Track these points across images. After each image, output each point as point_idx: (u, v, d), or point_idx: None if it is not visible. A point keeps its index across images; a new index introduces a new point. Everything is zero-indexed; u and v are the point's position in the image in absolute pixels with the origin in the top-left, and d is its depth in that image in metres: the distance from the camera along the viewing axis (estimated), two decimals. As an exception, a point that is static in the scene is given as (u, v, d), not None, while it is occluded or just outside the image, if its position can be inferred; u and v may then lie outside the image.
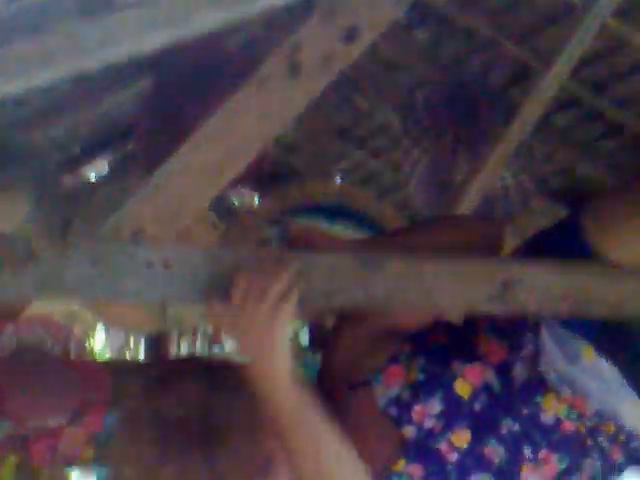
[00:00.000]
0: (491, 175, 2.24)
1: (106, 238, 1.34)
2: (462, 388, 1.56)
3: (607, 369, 1.56)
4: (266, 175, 3.15)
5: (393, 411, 1.55)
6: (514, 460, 1.55)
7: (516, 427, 1.56)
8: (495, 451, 1.55)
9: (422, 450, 1.55)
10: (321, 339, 2.64)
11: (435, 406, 1.55)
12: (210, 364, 1.59)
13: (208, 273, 1.36)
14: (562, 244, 1.58)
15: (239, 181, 2.75)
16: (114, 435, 1.89)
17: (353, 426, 1.52)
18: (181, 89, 2.38)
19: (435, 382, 1.56)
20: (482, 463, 1.55)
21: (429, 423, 1.54)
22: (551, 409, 1.57)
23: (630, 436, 1.58)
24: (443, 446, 1.55)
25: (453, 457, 1.55)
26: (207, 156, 1.37)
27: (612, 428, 1.57)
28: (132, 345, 2.93)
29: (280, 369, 1.36)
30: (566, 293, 1.50)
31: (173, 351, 2.77)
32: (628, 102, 2.52)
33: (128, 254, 1.33)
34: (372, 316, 1.64)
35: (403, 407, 1.55)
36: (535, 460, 1.56)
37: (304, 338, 2.63)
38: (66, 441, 2.18)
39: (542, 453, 1.56)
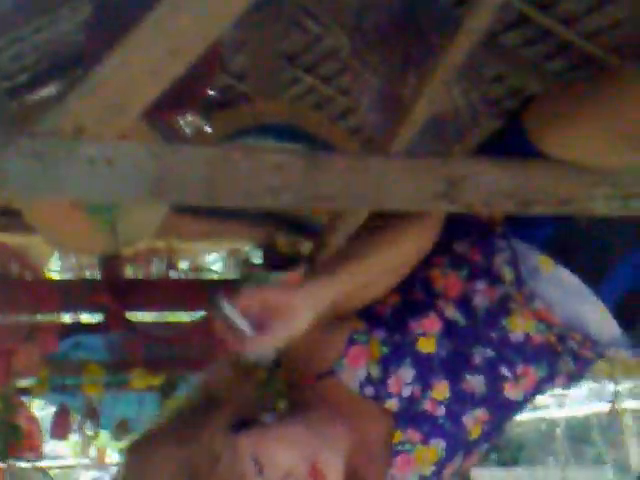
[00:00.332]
0: (438, 93, 2.23)
1: (47, 134, 1.32)
2: (426, 345, 1.57)
3: (566, 277, 1.59)
4: (215, 102, 3.12)
5: (370, 391, 1.55)
6: (495, 383, 1.59)
7: (488, 353, 1.58)
8: (474, 383, 1.58)
9: (410, 416, 1.57)
10: (273, 259, 2.64)
11: (407, 373, 1.56)
12: None
13: (151, 170, 1.35)
14: (507, 147, 1.59)
15: (188, 109, 2.73)
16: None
17: (336, 413, 1.54)
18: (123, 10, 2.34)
19: (400, 351, 1.56)
20: (466, 400, 1.58)
21: (407, 391, 1.56)
22: (518, 327, 1.59)
23: (595, 343, 1.60)
24: (428, 405, 1.57)
25: (441, 410, 1.57)
26: (147, 53, 1.35)
27: (579, 337, 1.60)
28: (85, 268, 2.91)
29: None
30: (512, 190, 1.50)
31: (126, 274, 2.76)
32: (576, 20, 2.52)
33: (69, 151, 1.31)
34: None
35: (377, 384, 1.55)
36: (514, 377, 1.60)
37: (257, 258, 2.64)
38: (20, 359, 2.17)
39: (519, 369, 1.60)
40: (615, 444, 8.55)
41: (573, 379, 1.68)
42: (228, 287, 2.84)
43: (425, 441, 1.56)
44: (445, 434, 1.57)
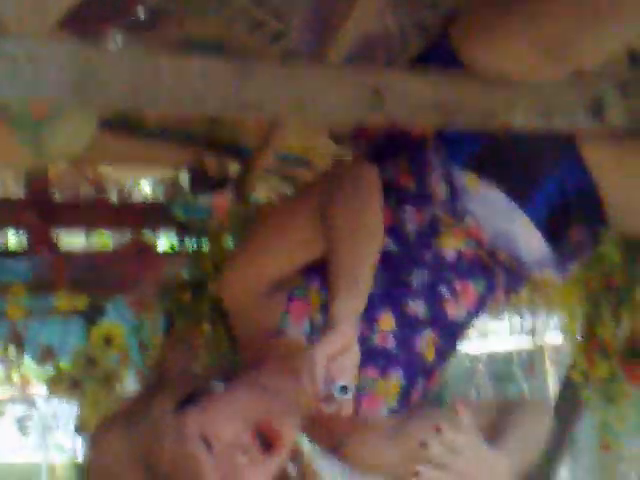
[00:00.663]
0: (367, 14, 2.23)
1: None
2: None
3: (494, 195, 1.62)
4: (143, 23, 3.07)
5: (317, 340, 1.53)
6: (435, 304, 1.62)
7: (425, 275, 1.61)
8: (416, 307, 1.61)
9: (364, 355, 1.53)
10: (201, 181, 2.64)
11: None
12: None
13: (75, 71, 1.34)
14: (434, 60, 1.61)
15: (114, 23, 2.68)
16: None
17: (289, 369, 1.53)
18: None
19: None
20: (413, 324, 1.61)
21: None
22: (450, 245, 1.62)
23: (522, 262, 1.63)
24: (378, 339, 1.60)
25: (391, 341, 1.61)
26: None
27: (506, 256, 1.62)
28: (10, 186, 2.87)
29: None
30: (437, 102, 1.51)
31: (53, 195, 2.73)
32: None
33: (-10, 47, 1.30)
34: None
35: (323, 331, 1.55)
36: (454, 295, 1.63)
37: (185, 181, 2.63)
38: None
39: (457, 285, 1.63)
40: (535, 380, 8.77)
41: (509, 293, 1.70)
42: (156, 209, 2.84)
43: (383, 375, 1.59)
44: (400, 363, 1.60)
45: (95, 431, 1.52)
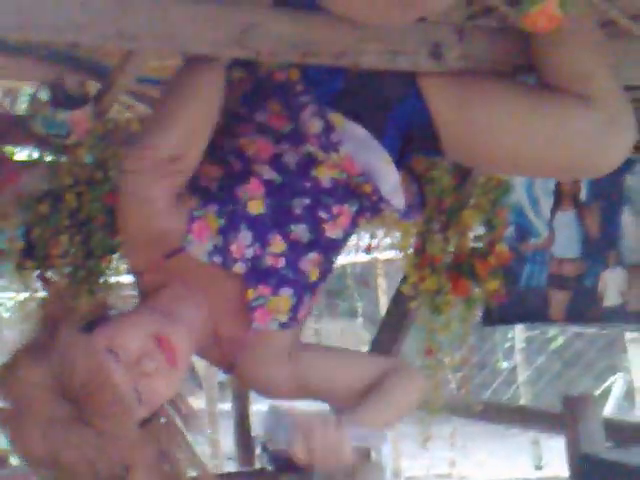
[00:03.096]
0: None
1: None
2: (255, 207, 1.71)
3: (357, 130, 1.77)
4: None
5: (218, 259, 1.68)
6: (316, 227, 1.76)
7: (306, 201, 1.75)
8: (299, 231, 1.75)
9: (257, 274, 1.72)
10: (61, 97, 2.70)
11: (246, 237, 1.70)
12: None
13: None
14: (290, 2, 1.76)
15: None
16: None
17: (188, 286, 1.70)
18: None
19: (234, 219, 1.69)
20: (299, 248, 1.75)
21: (249, 252, 1.70)
22: (326, 175, 1.76)
23: (381, 197, 1.79)
24: (270, 260, 1.73)
25: (282, 262, 1.74)
26: None
27: (370, 189, 1.80)
28: None
29: None
30: (296, 41, 1.67)
31: None
32: None
33: None
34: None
35: (222, 252, 1.68)
36: (332, 217, 1.77)
37: (44, 95, 2.68)
38: None
39: (335, 209, 1.77)
40: (367, 296, 9.14)
41: (375, 217, 1.90)
42: (15, 122, 2.89)
43: (275, 292, 1.73)
44: (290, 282, 1.74)
45: (3, 373, 1.56)
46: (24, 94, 2.89)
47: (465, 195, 3.17)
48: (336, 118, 1.76)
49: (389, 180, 1.80)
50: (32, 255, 2.81)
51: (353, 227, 1.85)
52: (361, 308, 9.28)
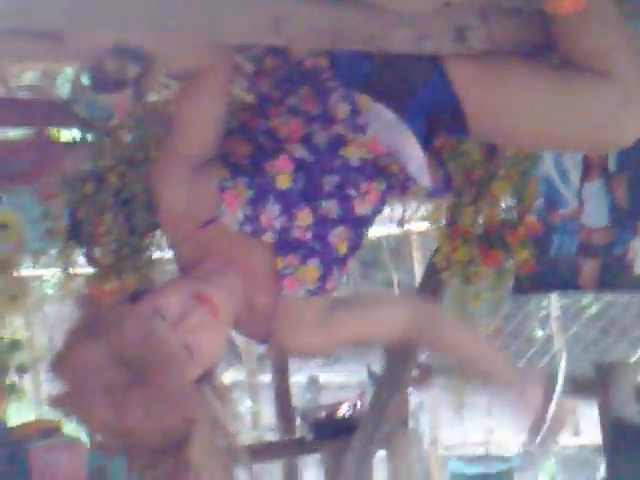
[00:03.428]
0: None
1: None
2: (283, 182, 1.82)
3: (384, 112, 1.86)
4: None
5: (248, 228, 1.81)
6: (345, 203, 1.86)
7: (335, 179, 1.85)
8: (329, 207, 1.85)
9: (286, 244, 1.83)
10: (101, 81, 2.79)
11: (274, 209, 1.81)
12: None
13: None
14: None
15: None
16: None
17: (222, 255, 1.82)
18: None
19: (262, 192, 1.80)
20: (327, 222, 1.85)
21: (277, 224, 1.81)
22: (355, 155, 1.86)
23: (408, 175, 1.90)
24: (297, 232, 1.83)
25: (309, 235, 1.84)
26: None
27: (397, 168, 1.89)
28: None
29: None
30: (328, 28, 1.76)
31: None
32: None
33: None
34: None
35: (252, 222, 1.80)
36: (360, 195, 1.87)
37: (85, 79, 2.76)
38: None
39: (363, 187, 1.87)
40: (402, 266, 9.22)
41: (403, 194, 2.00)
42: (54, 107, 3.00)
43: (303, 262, 1.84)
44: (317, 253, 1.84)
45: (60, 354, 1.68)
46: (62, 76, 2.98)
47: (494, 167, 3.25)
48: (363, 100, 1.85)
49: (415, 160, 1.89)
50: (78, 234, 2.94)
51: (382, 204, 1.94)
52: (397, 279, 9.36)
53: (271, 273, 1.84)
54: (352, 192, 1.87)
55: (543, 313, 8.64)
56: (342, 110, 1.84)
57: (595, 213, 3.47)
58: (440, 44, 1.84)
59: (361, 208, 1.88)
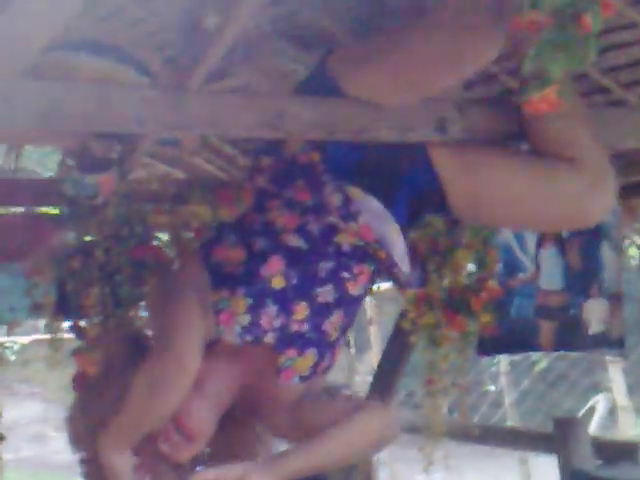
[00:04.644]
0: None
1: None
2: (277, 282, 1.97)
3: (373, 203, 2.02)
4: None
5: (248, 337, 1.95)
6: (340, 287, 2.01)
7: (329, 264, 2.00)
8: (324, 292, 2.00)
9: (285, 339, 1.97)
10: (87, 161, 2.92)
11: (272, 311, 1.96)
12: None
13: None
14: (316, 86, 2.02)
15: None
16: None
17: (226, 367, 1.98)
18: None
19: (260, 299, 1.95)
20: (323, 309, 2.00)
21: (277, 322, 1.96)
22: (346, 242, 2.01)
23: (393, 263, 2.06)
24: (295, 326, 1.98)
25: (305, 327, 1.99)
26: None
27: (384, 255, 2.04)
28: None
29: None
30: (321, 122, 1.94)
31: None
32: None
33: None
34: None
35: (252, 329, 1.95)
36: (354, 277, 2.02)
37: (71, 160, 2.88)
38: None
39: (356, 269, 2.03)
40: (357, 326, 9.36)
41: (386, 277, 2.17)
42: (42, 187, 3.11)
43: (301, 353, 1.99)
44: (313, 343, 1.99)
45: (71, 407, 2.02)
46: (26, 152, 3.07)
47: (457, 236, 3.43)
48: (354, 192, 2.00)
49: (398, 248, 2.04)
50: (65, 307, 3.04)
51: (371, 283, 2.11)
52: (352, 338, 9.47)
53: (270, 368, 2.00)
54: (346, 275, 2.01)
55: (493, 369, 8.84)
56: (335, 200, 1.98)
57: (551, 277, 3.66)
58: (423, 134, 2.02)
59: (354, 289, 2.04)
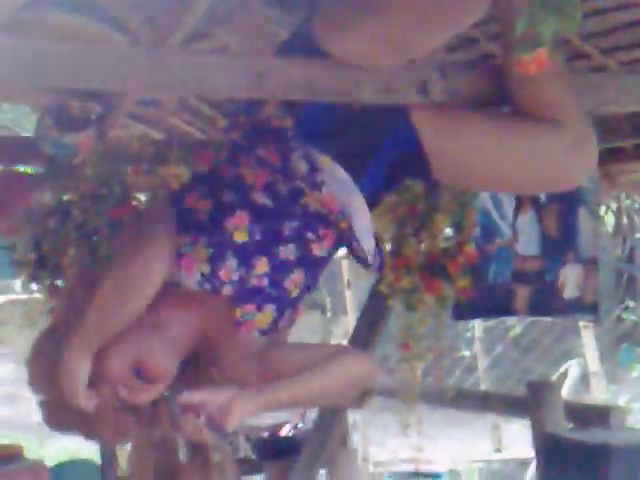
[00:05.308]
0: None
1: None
2: (240, 236, 1.96)
3: (340, 172, 2.00)
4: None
5: (207, 286, 1.95)
6: (303, 246, 2.01)
7: (294, 224, 2.00)
8: (287, 251, 1.99)
9: (243, 294, 1.97)
10: (66, 121, 2.91)
11: (232, 262, 1.95)
12: None
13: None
14: (297, 48, 2.01)
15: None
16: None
17: (182, 313, 1.98)
18: None
19: (220, 248, 1.95)
20: (284, 266, 2.00)
21: (236, 276, 1.95)
22: (311, 205, 2.01)
23: (354, 236, 2.04)
24: (254, 281, 1.98)
25: (265, 282, 1.98)
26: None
27: (345, 225, 2.04)
28: None
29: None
30: (304, 83, 1.93)
31: None
32: None
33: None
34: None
35: (211, 279, 1.94)
36: (319, 239, 2.03)
37: (49, 119, 2.87)
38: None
39: (321, 231, 2.02)
40: (334, 289, 9.37)
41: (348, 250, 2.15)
42: (20, 145, 3.09)
43: (260, 309, 1.99)
44: (273, 299, 2.00)
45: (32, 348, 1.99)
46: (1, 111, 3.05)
47: (435, 201, 3.43)
48: (323, 159, 2.00)
49: (362, 221, 2.04)
50: (43, 266, 3.04)
51: (335, 249, 2.10)
52: (329, 301, 9.54)
53: (229, 319, 2.00)
54: (310, 235, 2.02)
55: (468, 334, 8.92)
56: (301, 167, 1.98)
57: (528, 242, 3.69)
58: (405, 96, 2.02)
59: (319, 250, 2.04)
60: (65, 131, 2.92)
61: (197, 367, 2.04)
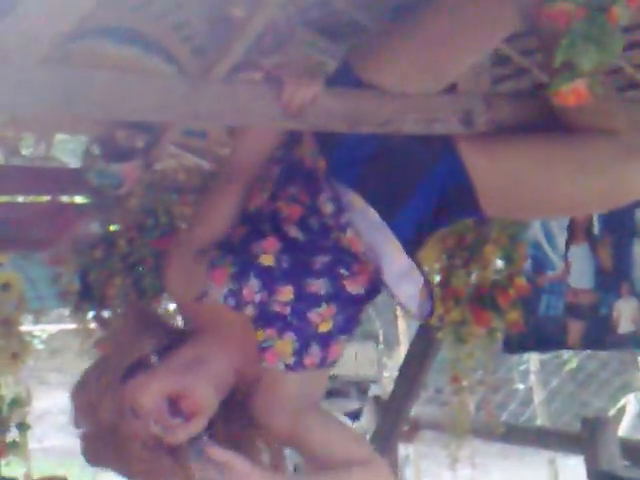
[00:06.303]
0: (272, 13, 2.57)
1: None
2: (266, 260, 1.93)
3: (371, 213, 1.96)
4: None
5: (231, 301, 1.94)
6: (336, 283, 1.96)
7: (327, 258, 1.96)
8: (317, 285, 1.95)
9: (265, 317, 1.94)
10: (112, 150, 2.93)
11: (254, 284, 1.93)
12: None
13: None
14: (339, 81, 1.99)
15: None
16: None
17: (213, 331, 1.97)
18: None
19: (244, 267, 1.93)
20: (311, 298, 1.95)
21: (257, 297, 1.93)
22: (342, 242, 1.96)
23: (382, 279, 1.99)
24: (276, 307, 1.94)
25: (287, 310, 1.95)
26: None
27: (372, 268, 1.98)
28: None
29: None
30: (345, 114, 1.91)
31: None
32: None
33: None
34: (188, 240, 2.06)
35: (235, 295, 1.93)
36: (352, 274, 1.97)
37: (96, 149, 2.89)
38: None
39: (355, 267, 1.97)
40: (386, 320, 9.32)
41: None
42: (67, 175, 3.11)
43: (280, 335, 1.95)
44: (293, 328, 1.95)
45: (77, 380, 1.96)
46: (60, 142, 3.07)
47: (485, 232, 3.39)
48: (355, 200, 1.97)
49: (394, 264, 1.98)
50: (88, 297, 3.04)
51: (375, 287, 2.01)
52: (381, 332, 9.47)
53: (253, 345, 1.97)
54: (343, 271, 1.97)
55: (523, 367, 8.79)
56: (327, 208, 1.97)
57: (581, 275, 3.62)
58: (448, 127, 1.98)
59: (353, 287, 1.98)
60: (111, 161, 2.94)
61: (230, 411, 2.00)
